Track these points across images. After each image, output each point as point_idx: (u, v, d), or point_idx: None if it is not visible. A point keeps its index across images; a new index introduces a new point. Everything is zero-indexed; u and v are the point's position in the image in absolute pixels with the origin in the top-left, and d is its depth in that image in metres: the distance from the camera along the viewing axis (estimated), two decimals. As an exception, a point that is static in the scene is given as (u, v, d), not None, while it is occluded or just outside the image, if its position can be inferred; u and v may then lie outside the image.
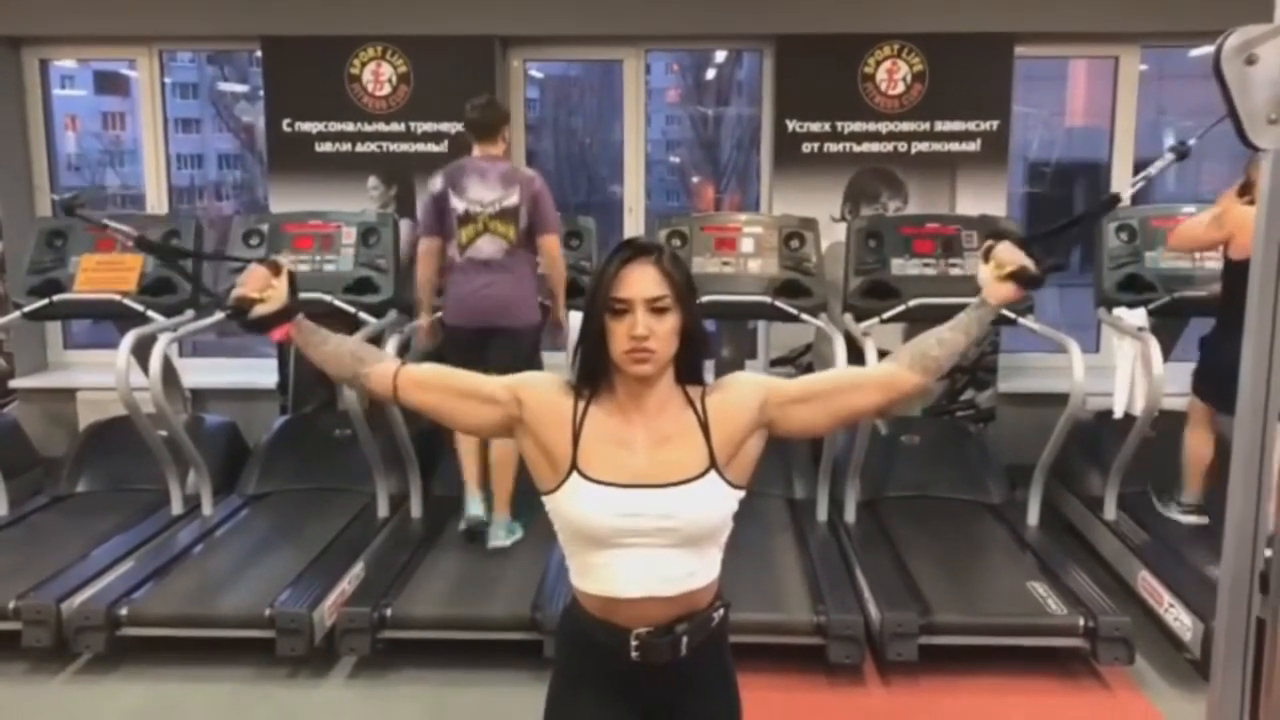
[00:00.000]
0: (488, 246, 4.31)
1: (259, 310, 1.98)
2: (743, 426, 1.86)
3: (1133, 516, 4.63)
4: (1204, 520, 4.49)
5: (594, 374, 1.85)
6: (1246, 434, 1.61)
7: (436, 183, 4.37)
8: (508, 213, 4.29)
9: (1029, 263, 1.99)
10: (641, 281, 1.78)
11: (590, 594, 1.86)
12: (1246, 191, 4.26)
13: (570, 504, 1.82)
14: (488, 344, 4.27)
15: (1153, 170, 2.43)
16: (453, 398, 1.92)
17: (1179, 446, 4.57)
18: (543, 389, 1.89)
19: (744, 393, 1.88)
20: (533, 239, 4.36)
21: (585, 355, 1.84)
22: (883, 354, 1.95)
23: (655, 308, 1.78)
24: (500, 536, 4.37)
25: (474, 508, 4.40)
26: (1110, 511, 4.67)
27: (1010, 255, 2.02)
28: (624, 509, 1.78)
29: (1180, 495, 4.60)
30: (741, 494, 1.86)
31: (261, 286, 1.98)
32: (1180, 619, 3.77)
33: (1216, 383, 4.38)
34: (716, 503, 1.83)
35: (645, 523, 1.78)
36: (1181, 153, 2.30)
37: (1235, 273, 4.30)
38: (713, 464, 1.82)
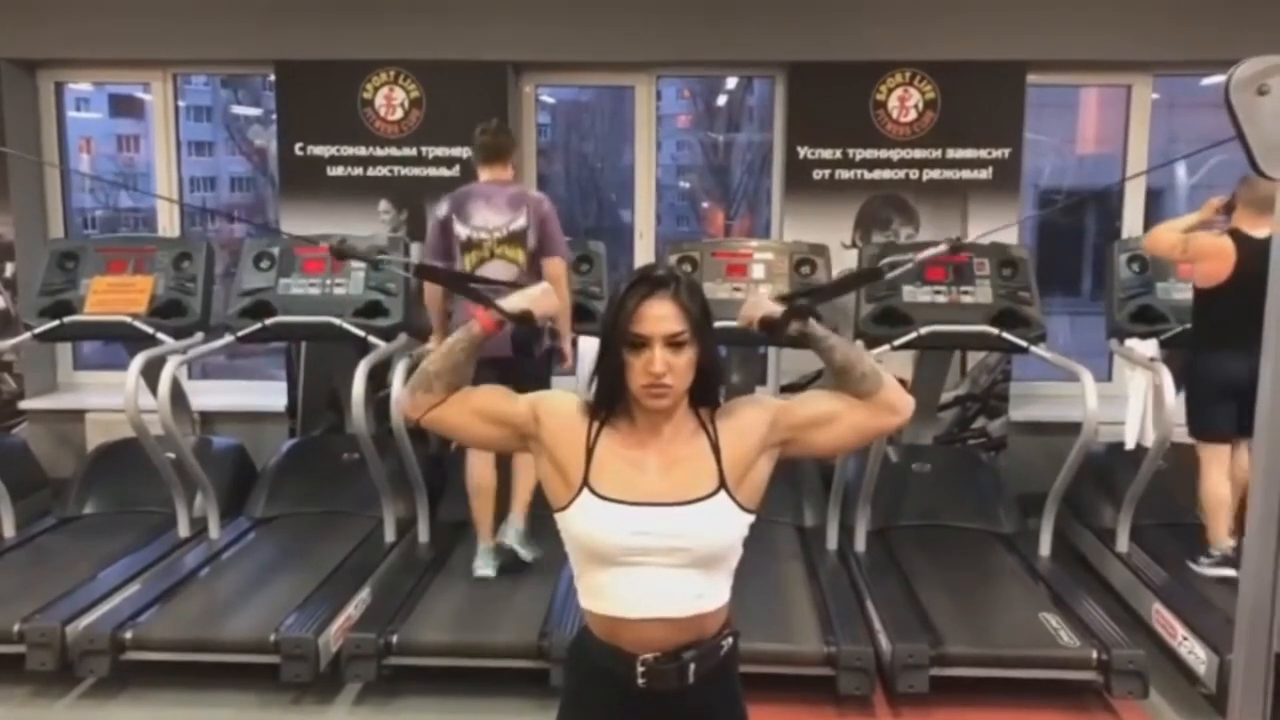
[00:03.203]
0: (497, 272, 4.20)
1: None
2: (753, 447, 1.86)
3: (1145, 549, 4.59)
4: (1231, 574, 4.03)
5: (611, 402, 1.85)
6: (1265, 465, 1.60)
7: (442, 208, 4.34)
8: (516, 236, 4.25)
9: (768, 310, 2.00)
10: (660, 317, 1.78)
11: (598, 614, 1.85)
12: (1230, 209, 4.28)
13: (581, 521, 1.81)
14: (494, 373, 4.17)
15: (922, 257, 2.45)
16: (481, 420, 1.92)
17: (1193, 483, 4.43)
18: (561, 408, 1.90)
19: (753, 414, 1.90)
20: (539, 261, 4.28)
21: (602, 385, 1.85)
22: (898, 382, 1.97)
23: (673, 343, 1.78)
24: (514, 541, 4.22)
25: (485, 567, 4.28)
26: (1123, 544, 4.63)
27: (750, 306, 2.04)
28: (634, 527, 1.78)
29: (1207, 548, 4.33)
30: (751, 518, 1.86)
31: (546, 311, 2.06)
32: (1195, 652, 3.72)
33: (1201, 413, 4.32)
34: (726, 524, 1.82)
35: (655, 541, 1.78)
36: (956, 247, 2.33)
37: (1202, 300, 4.29)
38: (723, 484, 1.82)
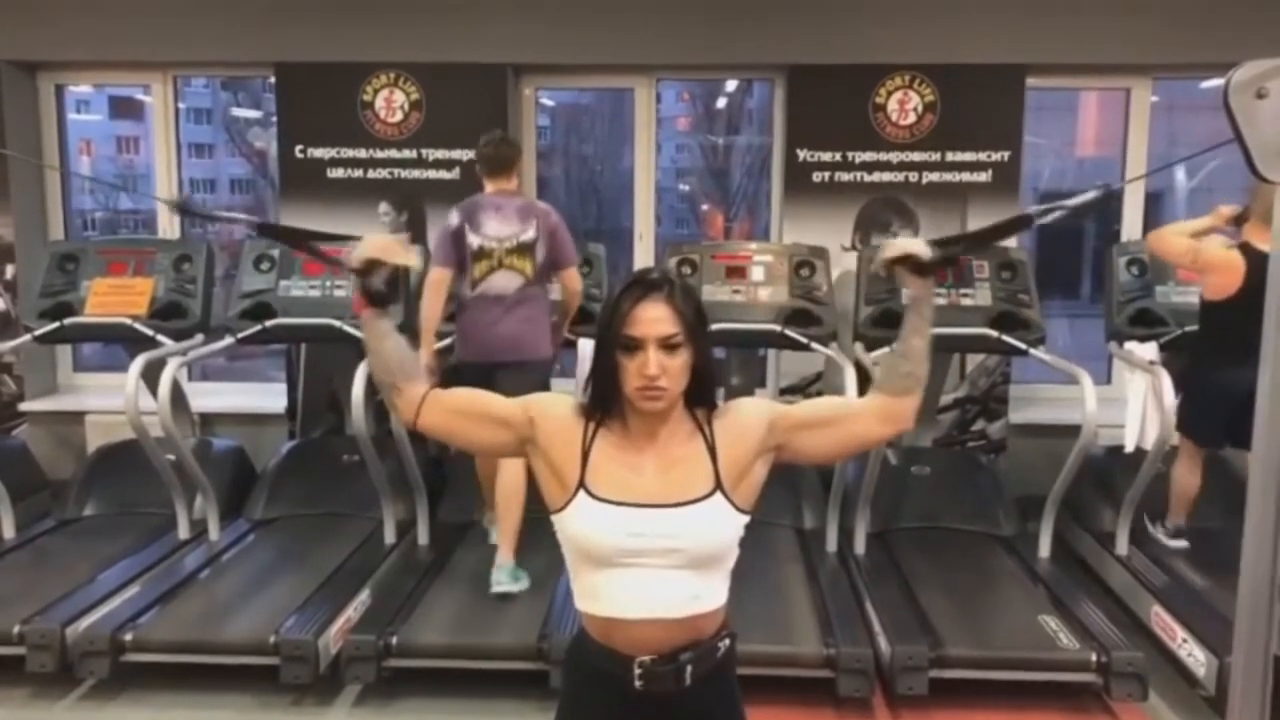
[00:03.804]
0: (503, 281, 4.27)
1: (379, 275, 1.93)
2: (749, 450, 1.87)
3: (1145, 551, 4.59)
4: (1184, 545, 4.57)
5: (605, 402, 1.86)
6: (1262, 471, 1.60)
7: (454, 217, 4.35)
8: (525, 247, 4.28)
9: (917, 251, 1.98)
10: (653, 320, 1.78)
11: (594, 615, 1.85)
12: (1241, 221, 4.26)
13: (577, 522, 1.82)
14: (499, 377, 4.17)
15: (1072, 203, 2.43)
16: (470, 421, 1.93)
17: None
18: (555, 409, 1.90)
19: (751, 417, 1.90)
20: (548, 272, 4.36)
21: (597, 387, 1.85)
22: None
23: (667, 346, 1.78)
24: (504, 582, 4.16)
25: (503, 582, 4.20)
26: (1122, 546, 4.63)
27: (898, 244, 2.02)
28: (630, 528, 1.78)
29: (1166, 520, 4.64)
30: (746, 519, 1.86)
31: (392, 253, 1.94)
32: (1194, 654, 3.72)
33: (1196, 419, 4.38)
34: (722, 525, 1.82)
35: (650, 543, 1.78)
36: (1107, 191, 2.31)
37: (1210, 311, 4.30)
38: (719, 486, 1.82)
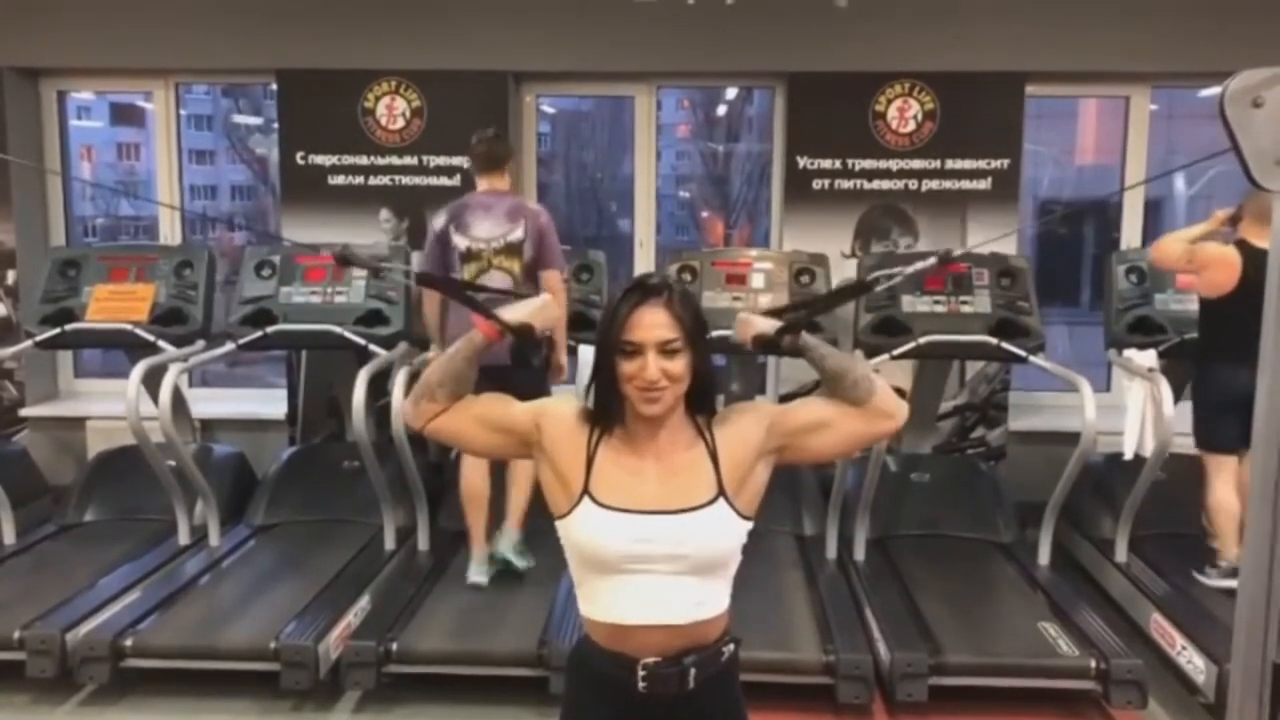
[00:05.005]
0: (495, 283, 4.23)
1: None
2: (750, 453, 1.88)
3: (1144, 559, 4.59)
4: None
5: (608, 409, 1.86)
6: (1263, 473, 1.60)
7: (439, 220, 4.35)
8: (513, 247, 4.27)
9: (765, 329, 2.05)
10: (652, 325, 1.79)
11: (599, 621, 1.86)
12: (1237, 221, 4.29)
13: (581, 529, 1.83)
14: (493, 382, 4.16)
15: (909, 270, 2.45)
16: (484, 428, 1.95)
17: (1191, 493, 4.45)
18: (561, 415, 1.91)
19: (750, 420, 1.91)
20: (534, 273, 4.31)
21: (599, 393, 1.86)
22: (897, 391, 1.97)
23: (666, 351, 1.79)
24: (508, 551, 4.26)
25: (478, 575, 4.28)
26: (1121, 554, 4.63)
27: (749, 325, 2.08)
28: (635, 535, 1.79)
29: (1215, 558, 4.32)
30: (749, 525, 1.87)
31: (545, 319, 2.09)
32: (1193, 661, 3.73)
33: (1212, 426, 4.30)
34: (726, 531, 1.83)
35: (655, 549, 1.79)
36: (945, 259, 2.34)
37: (1208, 310, 4.30)
38: (721, 492, 1.84)
